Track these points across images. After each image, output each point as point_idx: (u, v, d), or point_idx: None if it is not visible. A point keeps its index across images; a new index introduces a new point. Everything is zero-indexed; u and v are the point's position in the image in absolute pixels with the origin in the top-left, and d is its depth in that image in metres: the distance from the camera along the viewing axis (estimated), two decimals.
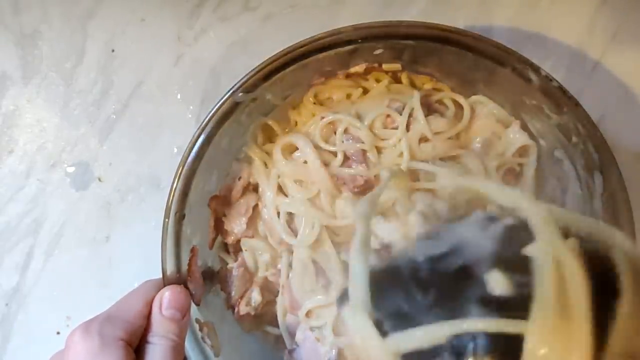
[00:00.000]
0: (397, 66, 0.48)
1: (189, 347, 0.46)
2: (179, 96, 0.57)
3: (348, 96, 0.50)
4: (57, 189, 0.57)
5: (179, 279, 0.45)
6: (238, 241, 0.51)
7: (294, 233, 0.48)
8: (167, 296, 0.42)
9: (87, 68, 0.57)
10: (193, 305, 0.46)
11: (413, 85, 0.51)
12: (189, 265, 0.45)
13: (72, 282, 0.56)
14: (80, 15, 0.57)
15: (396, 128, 0.48)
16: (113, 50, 0.58)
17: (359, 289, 0.33)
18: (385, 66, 0.48)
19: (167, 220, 0.44)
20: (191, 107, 0.57)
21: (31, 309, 0.57)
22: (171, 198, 0.44)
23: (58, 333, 0.56)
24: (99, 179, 0.57)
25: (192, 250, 0.46)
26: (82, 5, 0.57)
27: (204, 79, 0.57)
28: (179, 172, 0.44)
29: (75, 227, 0.57)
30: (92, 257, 0.57)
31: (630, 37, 0.56)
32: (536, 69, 0.44)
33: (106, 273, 0.57)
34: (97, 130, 0.57)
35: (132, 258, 0.56)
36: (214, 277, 0.50)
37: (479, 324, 0.30)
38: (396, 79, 0.50)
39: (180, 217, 0.45)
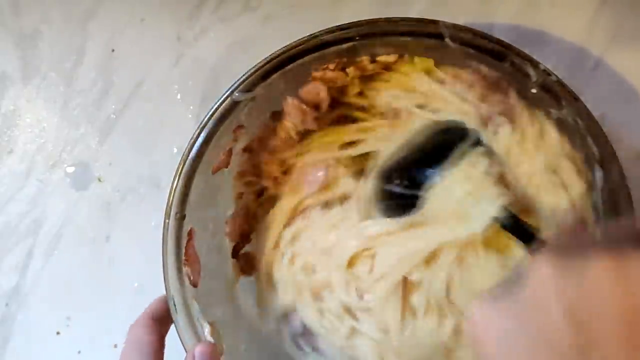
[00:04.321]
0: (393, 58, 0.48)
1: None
2: (179, 96, 0.57)
3: None
4: (57, 189, 0.57)
5: (181, 278, 0.45)
6: None
7: None
8: (199, 350, 0.42)
9: (87, 68, 0.57)
10: (196, 306, 0.46)
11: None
12: (186, 248, 0.45)
13: (72, 282, 0.57)
14: (80, 16, 0.57)
15: None
16: (113, 50, 0.58)
17: None
18: (379, 58, 0.48)
19: (167, 221, 0.44)
20: (191, 107, 0.57)
21: (31, 309, 0.57)
22: (171, 198, 0.44)
23: (58, 333, 0.56)
24: (99, 179, 0.57)
25: (189, 233, 0.46)
26: (82, 6, 0.57)
27: (204, 79, 0.57)
28: (179, 172, 0.44)
29: (75, 227, 0.57)
30: (92, 257, 0.57)
31: (631, 36, 0.56)
32: (535, 64, 0.44)
33: (106, 273, 0.57)
34: (97, 130, 0.57)
35: (132, 258, 0.56)
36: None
37: None
38: None
39: (181, 218, 0.45)
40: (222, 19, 0.58)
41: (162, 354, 0.42)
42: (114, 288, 0.56)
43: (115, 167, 0.57)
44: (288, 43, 0.47)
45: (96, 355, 0.56)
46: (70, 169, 0.57)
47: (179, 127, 0.57)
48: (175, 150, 0.57)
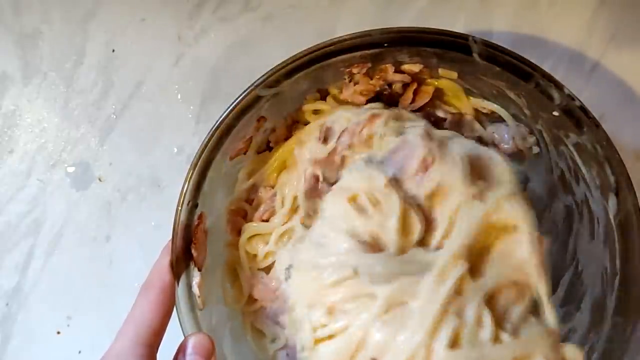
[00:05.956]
0: (418, 67, 0.48)
1: None
2: (179, 96, 0.58)
3: None
4: (57, 189, 0.57)
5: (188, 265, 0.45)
6: None
7: None
8: (191, 342, 0.41)
9: (88, 68, 0.58)
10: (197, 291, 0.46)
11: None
12: (195, 231, 0.45)
13: (72, 282, 0.57)
14: (80, 16, 0.58)
15: None
16: (113, 51, 0.58)
17: None
18: (404, 67, 0.48)
19: (179, 208, 0.44)
20: (191, 107, 0.57)
21: (31, 309, 0.57)
22: (186, 186, 0.44)
23: (58, 333, 0.56)
24: (99, 179, 0.57)
25: (200, 217, 0.46)
26: (83, 6, 0.58)
27: (204, 79, 0.57)
28: (196, 160, 0.44)
29: (76, 227, 0.57)
30: (92, 257, 0.57)
31: (629, 37, 0.56)
32: (560, 87, 0.43)
33: (106, 273, 0.57)
34: (97, 130, 0.57)
35: (132, 258, 0.56)
36: None
37: None
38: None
39: (193, 207, 0.45)
40: (222, 19, 0.58)
41: None
42: (114, 288, 0.56)
43: (115, 167, 0.57)
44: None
45: (96, 355, 0.55)
46: (71, 169, 0.57)
47: (179, 127, 0.57)
48: (175, 150, 0.57)
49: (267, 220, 0.50)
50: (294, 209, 0.49)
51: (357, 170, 0.45)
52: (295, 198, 0.48)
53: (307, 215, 0.48)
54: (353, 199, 0.44)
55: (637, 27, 0.56)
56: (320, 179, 0.48)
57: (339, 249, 0.43)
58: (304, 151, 0.49)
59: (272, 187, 0.50)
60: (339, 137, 0.48)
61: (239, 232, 0.50)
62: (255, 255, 0.50)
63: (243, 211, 0.51)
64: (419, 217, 0.43)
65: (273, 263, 0.50)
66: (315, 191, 0.48)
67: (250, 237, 0.50)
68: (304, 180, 0.48)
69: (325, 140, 0.49)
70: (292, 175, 0.50)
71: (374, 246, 0.43)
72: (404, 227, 0.43)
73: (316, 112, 0.51)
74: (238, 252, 0.50)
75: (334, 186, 0.47)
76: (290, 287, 0.47)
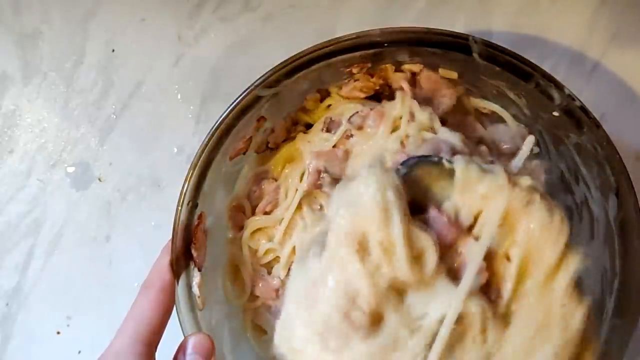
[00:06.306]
0: (418, 67, 0.48)
1: None
2: (179, 96, 0.58)
3: None
4: (57, 189, 0.57)
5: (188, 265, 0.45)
6: None
7: None
8: (192, 342, 0.41)
9: (88, 68, 0.58)
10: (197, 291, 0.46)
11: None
12: (195, 231, 0.45)
13: (72, 282, 0.57)
14: (80, 16, 0.58)
15: None
16: (113, 50, 0.58)
17: None
18: (404, 67, 0.48)
19: (179, 208, 0.44)
20: (191, 107, 0.57)
21: (31, 309, 0.57)
22: (186, 186, 0.44)
23: (58, 333, 0.56)
24: (99, 179, 0.57)
25: (199, 217, 0.46)
26: (83, 6, 0.58)
27: (204, 79, 0.57)
28: (196, 160, 0.44)
29: (76, 227, 0.57)
30: (92, 257, 0.57)
31: (630, 37, 0.56)
32: (560, 87, 0.43)
33: (106, 273, 0.57)
34: (97, 130, 0.57)
35: (132, 258, 0.56)
36: None
37: None
38: None
39: (193, 207, 0.45)
40: (222, 19, 0.58)
41: None
42: (114, 288, 0.56)
43: (115, 167, 0.57)
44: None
45: (96, 355, 0.55)
46: (71, 169, 0.57)
47: (179, 127, 0.57)
48: (175, 150, 0.57)
49: (269, 213, 0.50)
50: (298, 204, 0.49)
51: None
52: (297, 191, 0.48)
53: (311, 210, 0.49)
54: (362, 247, 0.37)
55: (638, 26, 0.56)
56: (323, 172, 0.48)
57: (328, 310, 0.37)
58: (308, 144, 0.49)
59: (276, 179, 0.50)
60: (349, 118, 0.48)
61: (240, 228, 0.50)
62: (257, 251, 0.50)
63: (244, 207, 0.51)
64: (431, 236, 0.38)
65: (273, 260, 0.50)
66: (317, 185, 0.48)
67: (253, 232, 0.50)
68: (308, 173, 0.48)
69: (328, 130, 0.49)
70: (296, 168, 0.50)
71: (371, 319, 0.37)
72: (413, 256, 0.37)
73: (328, 107, 0.51)
74: (240, 249, 0.50)
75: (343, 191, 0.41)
76: (284, 305, 0.41)
